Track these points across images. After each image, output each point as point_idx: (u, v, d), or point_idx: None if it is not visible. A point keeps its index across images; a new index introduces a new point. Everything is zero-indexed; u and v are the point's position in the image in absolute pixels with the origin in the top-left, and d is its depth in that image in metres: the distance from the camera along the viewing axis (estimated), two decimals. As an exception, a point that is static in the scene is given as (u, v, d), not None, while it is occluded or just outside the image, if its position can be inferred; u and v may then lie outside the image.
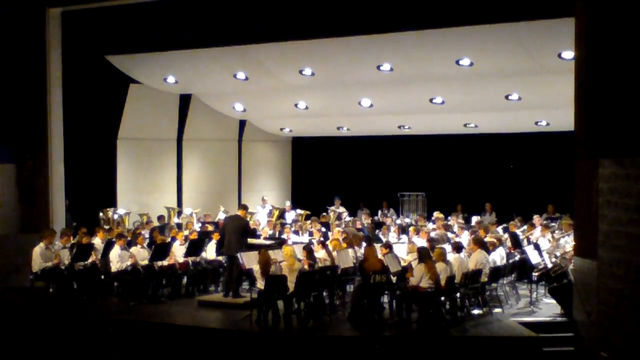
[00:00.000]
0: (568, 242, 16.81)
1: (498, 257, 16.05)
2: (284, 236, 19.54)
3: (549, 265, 15.80)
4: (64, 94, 19.66)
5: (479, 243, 15.72)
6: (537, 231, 18.73)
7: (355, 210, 24.94)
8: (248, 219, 18.35)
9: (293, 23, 18.62)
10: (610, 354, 11.74)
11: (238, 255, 15.61)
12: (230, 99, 24.77)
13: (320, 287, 15.01)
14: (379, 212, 24.76)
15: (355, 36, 18.40)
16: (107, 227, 19.52)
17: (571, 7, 14.00)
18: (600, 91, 10.44)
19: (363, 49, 19.07)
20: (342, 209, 24.17)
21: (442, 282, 14.26)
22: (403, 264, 15.63)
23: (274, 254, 15.23)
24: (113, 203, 22.85)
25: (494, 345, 13.32)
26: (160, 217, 21.93)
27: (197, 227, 20.75)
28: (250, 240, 18.00)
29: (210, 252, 17.84)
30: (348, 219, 22.98)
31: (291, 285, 14.31)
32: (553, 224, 19.48)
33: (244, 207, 17.48)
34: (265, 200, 25.33)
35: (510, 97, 20.84)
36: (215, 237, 17.79)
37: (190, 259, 17.29)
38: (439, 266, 14.39)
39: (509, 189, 24.67)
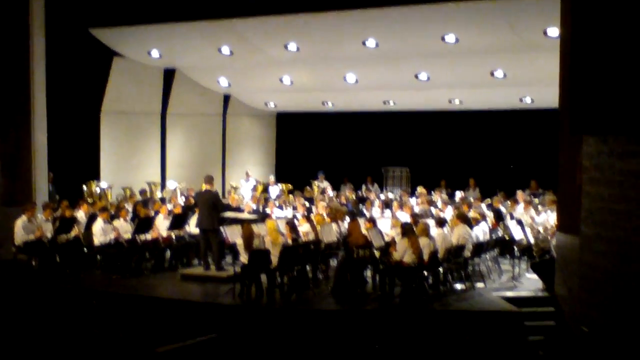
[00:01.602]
0: (550, 218, 16.89)
1: (481, 232, 16.13)
2: (268, 210, 19.55)
3: (532, 241, 15.89)
4: (47, 67, 19.49)
5: (462, 218, 15.77)
6: (520, 207, 18.82)
7: (339, 185, 24.96)
8: (216, 190, 18.27)
9: (278, -3, 18.58)
10: (590, 328, 11.82)
11: (221, 229, 15.61)
12: (215, 74, 24.70)
13: (303, 262, 15.03)
14: (363, 186, 24.79)
15: (340, 11, 18.34)
16: (90, 200, 19.45)
17: (556, -16, 13.99)
18: (585, 68, 10.46)
19: (348, 25, 19.04)
20: (325, 184, 24.19)
21: (425, 257, 14.30)
22: (386, 238, 15.66)
23: (257, 228, 15.22)
24: (96, 176, 22.78)
25: (476, 320, 13.39)
26: (142, 191, 21.90)
27: (180, 201, 20.72)
28: (235, 214, 18.02)
29: (193, 226, 17.80)
30: (332, 193, 23.01)
31: (274, 259, 14.31)
32: (536, 200, 19.57)
33: (209, 179, 17.09)
34: (249, 174, 25.33)
35: (495, 74, 20.88)
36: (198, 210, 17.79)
37: (173, 233, 17.28)
38: (422, 241, 14.41)
39: (492, 165, 24.75)
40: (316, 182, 24.00)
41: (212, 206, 16.34)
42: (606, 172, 11.60)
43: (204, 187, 17.10)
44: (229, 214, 17.93)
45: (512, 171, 23.90)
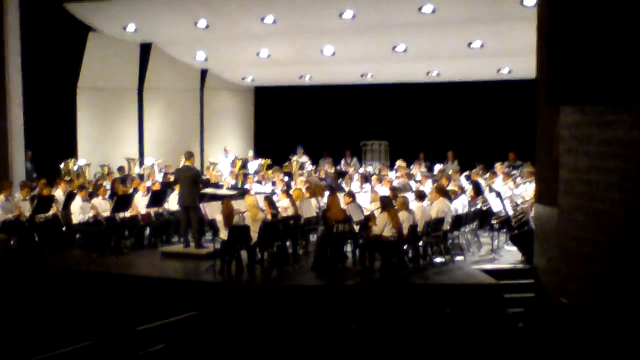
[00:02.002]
0: (529, 190, 16.93)
1: (460, 205, 16.15)
2: (247, 186, 19.50)
3: (510, 213, 15.93)
4: (21, 43, 19.31)
5: (441, 191, 15.77)
6: (499, 179, 18.84)
7: (318, 159, 24.93)
8: (196, 166, 18.31)
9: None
10: (569, 299, 11.90)
11: (200, 205, 15.54)
12: (192, 48, 24.49)
13: (283, 237, 15.01)
14: (342, 160, 24.76)
15: (317, -17, 18.29)
16: (67, 178, 19.33)
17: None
18: (562, 38, 10.43)
19: (325, -4, 18.98)
20: (304, 158, 24.15)
21: (405, 231, 14.31)
22: (366, 213, 15.65)
23: (236, 204, 15.18)
24: (74, 154, 22.62)
25: (456, 293, 13.43)
26: (120, 168, 21.79)
27: (159, 177, 20.63)
28: (214, 191, 17.95)
29: (172, 203, 17.74)
30: (310, 168, 22.97)
31: (254, 235, 14.28)
32: (515, 172, 19.61)
33: (189, 155, 16.99)
34: (228, 150, 25.25)
35: (472, 45, 20.85)
36: (178, 187, 17.71)
37: (152, 210, 17.20)
38: (402, 215, 14.42)
39: (471, 137, 24.77)
40: (295, 157, 23.95)
41: (192, 182, 16.27)
42: (584, 142, 11.64)
43: (184, 163, 17.03)
44: (207, 190, 17.87)
45: (491, 143, 23.90)
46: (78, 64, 23.01)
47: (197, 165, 22.87)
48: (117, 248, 16.34)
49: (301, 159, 24.02)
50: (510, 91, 23.71)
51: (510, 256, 15.39)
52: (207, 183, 18.77)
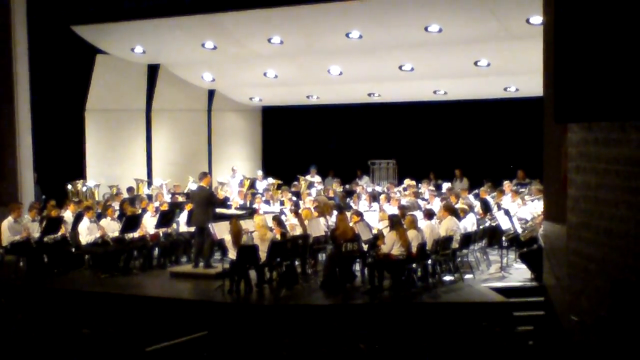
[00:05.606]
0: (537, 207, 16.90)
1: (469, 223, 16.14)
2: (255, 206, 19.51)
3: (519, 231, 15.90)
4: (30, 65, 19.41)
5: (450, 209, 15.77)
6: (508, 197, 18.82)
7: (325, 178, 24.93)
8: (211, 187, 18.33)
9: (261, -10, 18.54)
10: (580, 317, 11.85)
11: (209, 226, 15.56)
12: (199, 69, 24.61)
13: (292, 257, 15.01)
14: (356, 179, 24.81)
15: (324, 3, 18.30)
16: (76, 199, 19.37)
17: (538, -28, 13.98)
18: (569, 55, 10.43)
19: (332, 17, 18.99)
20: (317, 178, 24.16)
21: (414, 249, 14.30)
22: (374, 231, 15.65)
23: (245, 224, 15.21)
24: (82, 175, 22.70)
25: (466, 311, 13.40)
26: (129, 189, 21.82)
27: (167, 198, 20.67)
28: (222, 210, 17.98)
29: (181, 223, 17.79)
30: (320, 187, 22.96)
31: (263, 255, 14.30)
32: (523, 190, 19.58)
33: (203, 175, 17.06)
34: (236, 170, 25.29)
35: (479, 64, 20.88)
36: (188, 207, 17.72)
37: (161, 231, 17.23)
38: (410, 233, 14.41)
39: (479, 155, 24.76)
40: (307, 177, 23.95)
41: (206, 203, 16.34)
42: (592, 160, 11.61)
43: (198, 183, 17.10)
44: (218, 210, 17.89)
45: (499, 161, 23.89)
46: (86, 86, 23.16)
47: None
48: (126, 268, 16.38)
49: (313, 178, 24.03)
50: (517, 109, 23.68)
51: (519, 274, 15.35)
52: (222, 202, 18.74)
